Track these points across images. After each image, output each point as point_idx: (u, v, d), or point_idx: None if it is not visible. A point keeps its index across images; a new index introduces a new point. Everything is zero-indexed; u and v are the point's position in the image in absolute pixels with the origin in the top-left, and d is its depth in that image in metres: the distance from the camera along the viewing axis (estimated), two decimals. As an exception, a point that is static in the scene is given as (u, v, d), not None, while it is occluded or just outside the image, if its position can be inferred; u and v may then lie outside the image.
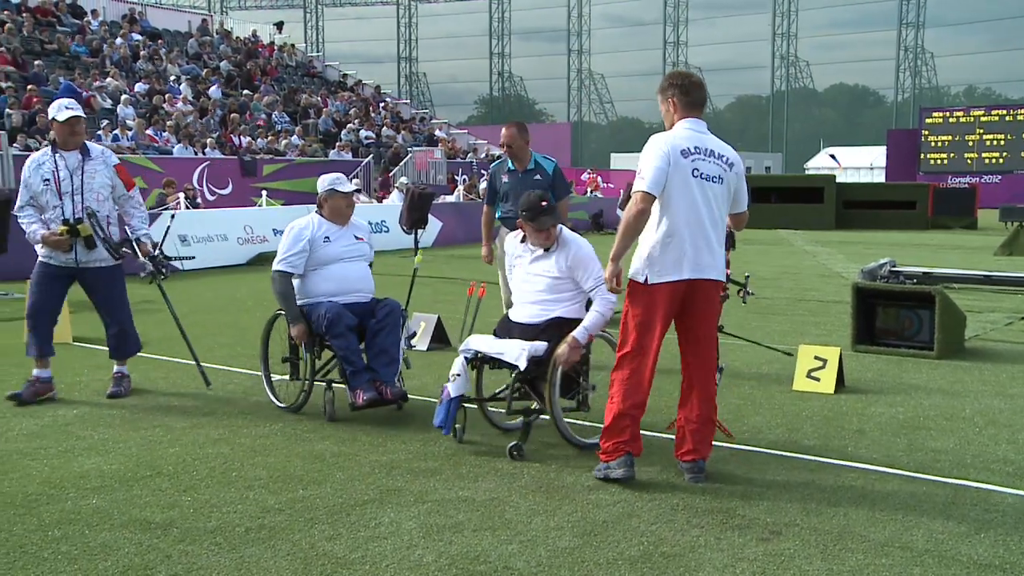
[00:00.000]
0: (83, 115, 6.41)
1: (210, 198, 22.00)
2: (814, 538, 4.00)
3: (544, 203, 5.29)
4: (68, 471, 4.81)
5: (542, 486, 4.68)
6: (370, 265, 6.40)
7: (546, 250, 5.37)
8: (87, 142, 6.46)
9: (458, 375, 5.24)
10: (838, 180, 32.24)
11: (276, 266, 6.05)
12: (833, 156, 56.32)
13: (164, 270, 6.56)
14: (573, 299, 5.40)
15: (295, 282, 6.08)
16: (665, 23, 74.44)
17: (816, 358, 6.87)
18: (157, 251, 6.53)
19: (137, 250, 6.53)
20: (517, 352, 5.16)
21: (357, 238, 6.30)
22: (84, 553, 3.77)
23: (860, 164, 57.19)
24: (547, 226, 5.29)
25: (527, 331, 5.31)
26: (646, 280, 4.63)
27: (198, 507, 4.29)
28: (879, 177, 49.53)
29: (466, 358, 5.34)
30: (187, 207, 18.32)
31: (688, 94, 4.80)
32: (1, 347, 8.42)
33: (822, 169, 53.04)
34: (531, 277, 5.44)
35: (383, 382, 5.83)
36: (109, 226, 6.47)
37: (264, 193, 21.37)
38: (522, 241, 5.51)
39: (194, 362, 6.70)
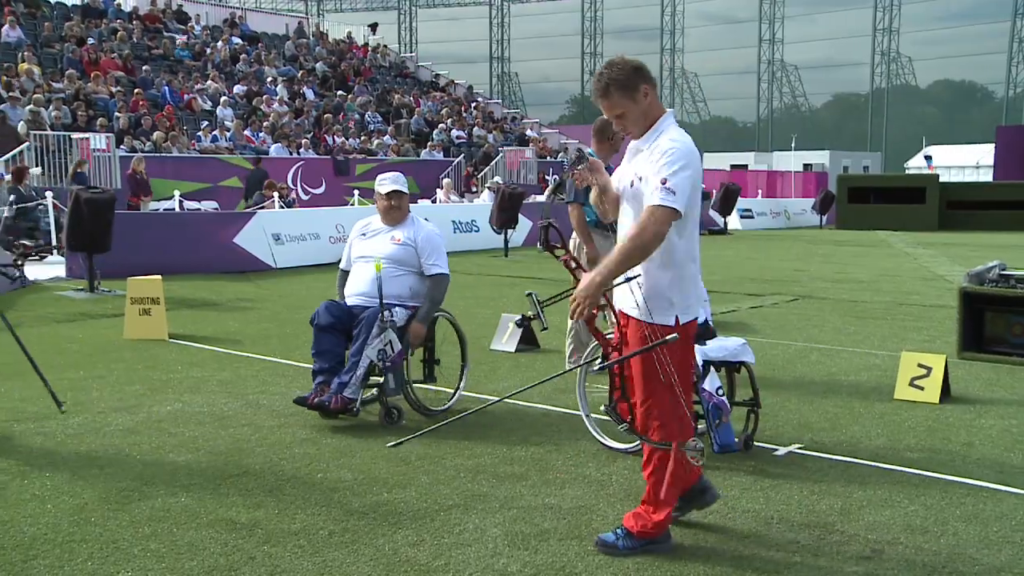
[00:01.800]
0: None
1: (304, 197, 22.41)
2: (920, 558, 3.78)
3: None
4: (159, 468, 4.87)
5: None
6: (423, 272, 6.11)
7: None
8: None
9: (721, 387, 5.06)
10: (941, 179, 31.11)
11: None
12: (928, 157, 54.43)
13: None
14: None
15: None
16: (760, 20, 73.01)
17: (919, 365, 6.55)
18: None
19: None
20: (738, 347, 5.19)
21: (395, 240, 6.05)
22: (172, 551, 3.80)
23: (965, 163, 55.12)
24: None
25: (700, 331, 5.22)
26: (677, 322, 3.75)
27: (283, 508, 4.29)
28: (986, 176, 47.62)
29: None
30: (281, 206, 18.68)
31: (652, 79, 3.89)
32: (103, 343, 8.65)
33: (923, 169, 51.31)
34: None
35: (333, 389, 5.65)
36: None
37: (356, 192, 21.68)
38: None
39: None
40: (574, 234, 7.38)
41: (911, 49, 71.93)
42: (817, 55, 73.34)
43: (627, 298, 3.83)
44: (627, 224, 3.83)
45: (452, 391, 6.33)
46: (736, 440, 5.04)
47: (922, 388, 6.46)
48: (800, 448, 5.33)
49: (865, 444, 5.43)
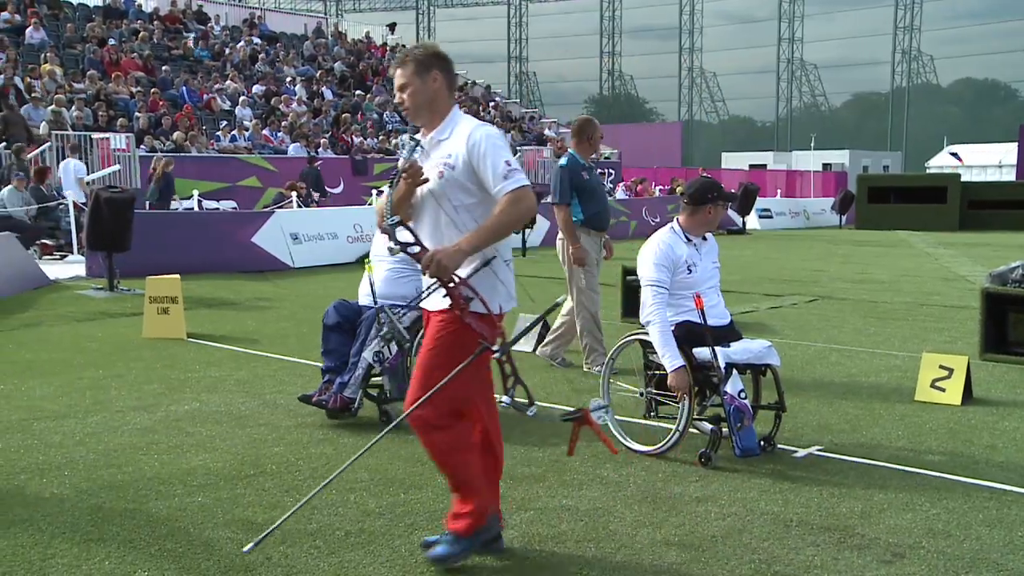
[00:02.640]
0: None
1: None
2: (942, 563, 3.73)
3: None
4: (177, 467, 4.88)
5: (648, 496, 4.52)
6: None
7: (704, 239, 5.33)
8: None
9: (744, 389, 4.96)
10: (963, 179, 30.85)
11: None
12: (955, 154, 54.00)
13: None
14: None
15: None
16: (779, 19, 72.69)
17: (941, 367, 6.48)
18: None
19: None
20: (764, 349, 5.11)
21: None
22: (188, 550, 3.80)
23: (987, 162, 54.65)
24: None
25: (724, 332, 5.17)
26: (500, 309, 3.69)
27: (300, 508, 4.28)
28: (1008, 176, 47.21)
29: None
30: (299, 206, 18.72)
31: (451, 72, 3.82)
32: (122, 342, 8.69)
33: (944, 168, 50.89)
34: (710, 273, 5.29)
35: (334, 388, 5.72)
36: None
37: (374, 192, 21.69)
38: (688, 241, 5.23)
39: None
40: (559, 234, 7.44)
41: (932, 47, 71.44)
42: (836, 54, 72.99)
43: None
44: (428, 221, 3.69)
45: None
46: (759, 444, 4.99)
47: (944, 390, 6.39)
48: (820, 450, 5.28)
49: (886, 446, 5.37)
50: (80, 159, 17.48)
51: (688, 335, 5.05)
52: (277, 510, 4.25)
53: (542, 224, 20.03)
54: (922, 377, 6.53)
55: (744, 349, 5.08)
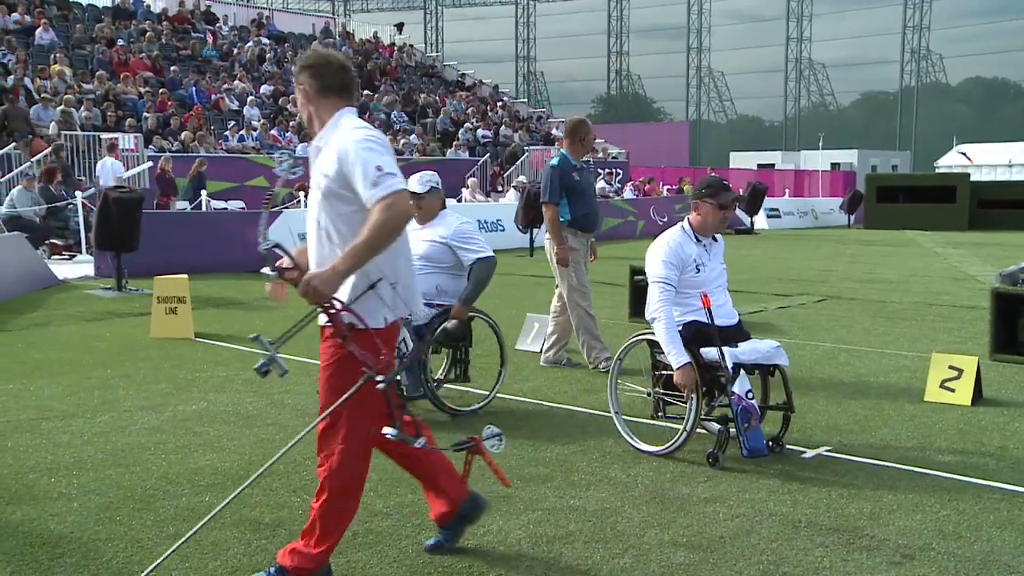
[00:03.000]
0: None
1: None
2: (952, 565, 3.71)
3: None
4: (184, 467, 4.88)
5: (656, 496, 4.50)
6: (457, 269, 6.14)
7: (715, 240, 5.33)
8: None
9: (751, 389, 4.90)
10: (972, 178, 30.73)
11: None
12: (964, 153, 53.78)
13: None
14: None
15: None
16: (788, 18, 72.51)
17: (951, 367, 6.45)
18: None
19: None
20: (771, 350, 5.08)
21: (425, 239, 6.06)
22: (196, 551, 3.80)
23: (997, 161, 54.43)
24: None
25: (732, 332, 5.13)
26: (386, 321, 3.48)
27: (307, 509, 4.22)
28: (1018, 175, 47.02)
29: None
30: (306, 205, 18.72)
31: (322, 76, 3.51)
32: (130, 342, 8.71)
33: (954, 167, 50.72)
34: (717, 273, 5.28)
35: None
36: None
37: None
38: (697, 241, 5.21)
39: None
40: (546, 233, 7.47)
41: (941, 46, 71.16)
42: (845, 53, 72.72)
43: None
44: (312, 233, 3.54)
45: (487, 392, 6.30)
46: (767, 444, 4.97)
47: (953, 390, 6.35)
48: (829, 451, 5.26)
49: (895, 447, 5.35)
50: (116, 158, 17.83)
51: (696, 335, 5.03)
52: (285, 510, 4.25)
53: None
54: (931, 377, 6.50)
55: (752, 349, 5.05)
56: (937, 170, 52.70)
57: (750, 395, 4.87)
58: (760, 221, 28.40)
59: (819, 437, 5.54)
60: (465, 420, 5.92)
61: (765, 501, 4.43)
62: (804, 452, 5.24)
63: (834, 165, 50.86)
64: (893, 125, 71.91)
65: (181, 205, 18.54)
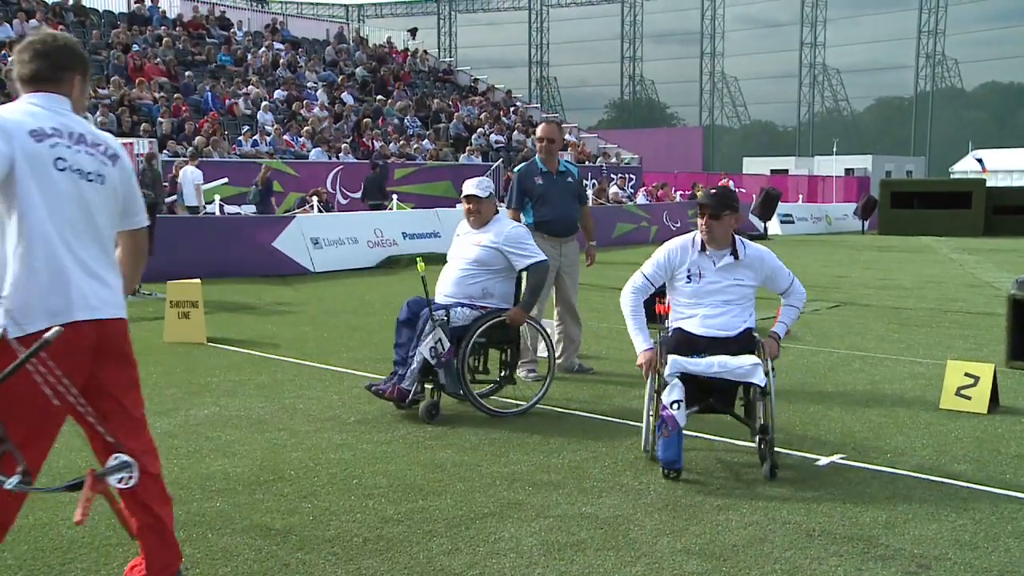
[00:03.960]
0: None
1: (343, 201, 22.49)
2: (969, 575, 3.67)
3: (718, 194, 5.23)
4: (195, 472, 4.88)
5: (668, 504, 4.47)
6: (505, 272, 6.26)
7: (735, 257, 5.12)
8: None
9: (679, 401, 4.72)
10: (988, 184, 30.56)
11: None
12: (980, 160, 53.45)
13: None
14: (753, 306, 5.26)
15: None
16: (802, 23, 72.32)
17: (967, 375, 6.39)
18: None
19: None
20: (748, 367, 4.80)
21: (478, 243, 6.22)
22: (206, 556, 3.79)
23: (1013, 167, 54.13)
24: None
25: (722, 344, 4.98)
26: (4, 333, 2.91)
27: (317, 515, 4.26)
28: (1034, 181, 46.77)
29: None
30: (320, 210, 18.77)
31: (26, 63, 3.12)
32: (143, 346, 8.68)
33: (968, 173, 50.46)
34: (720, 287, 5.09)
35: (395, 379, 6.04)
36: None
37: (395, 197, 21.71)
38: (702, 250, 5.12)
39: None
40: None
41: (957, 51, 70.81)
42: (859, 58, 72.43)
43: None
44: None
45: (533, 395, 6.35)
46: (678, 461, 4.74)
47: (969, 398, 6.30)
48: (842, 458, 5.22)
49: (910, 455, 5.30)
50: (197, 167, 18.94)
51: (678, 343, 5.02)
52: (295, 516, 4.24)
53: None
54: (947, 385, 6.44)
55: (720, 363, 4.83)
56: (952, 176, 52.48)
57: (675, 405, 4.70)
58: (773, 227, 28.30)
59: (833, 444, 5.50)
60: (503, 422, 5.94)
61: (778, 509, 4.40)
62: (818, 460, 5.19)
63: (848, 170, 50.65)
64: (908, 130, 71.61)
65: (248, 210, 19.20)
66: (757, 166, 53.41)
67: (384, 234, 17.17)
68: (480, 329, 6.05)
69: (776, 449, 5.25)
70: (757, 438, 5.02)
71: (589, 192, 27.18)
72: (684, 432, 4.96)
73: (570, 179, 7.49)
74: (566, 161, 7.71)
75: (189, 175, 18.62)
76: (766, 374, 4.90)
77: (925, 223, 28.31)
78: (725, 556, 3.85)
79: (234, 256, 14.38)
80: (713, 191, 5.27)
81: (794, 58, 73.10)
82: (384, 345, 6.70)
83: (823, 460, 5.18)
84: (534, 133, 31.97)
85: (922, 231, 27.79)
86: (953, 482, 4.81)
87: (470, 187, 6.29)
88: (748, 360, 4.85)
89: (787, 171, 50.48)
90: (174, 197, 18.25)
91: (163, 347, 8.63)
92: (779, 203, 27.98)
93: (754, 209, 27.50)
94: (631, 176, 32.82)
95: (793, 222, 30.74)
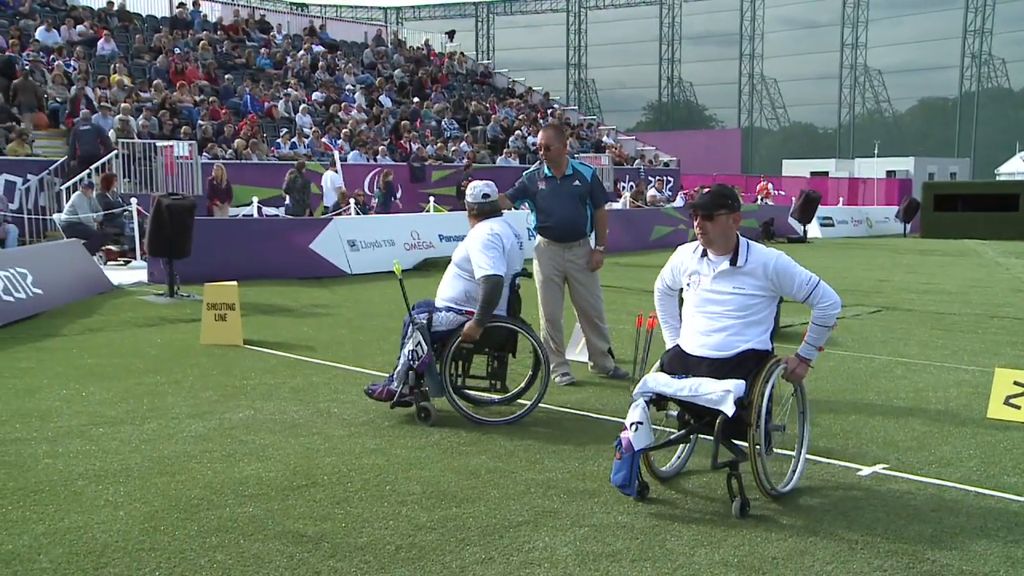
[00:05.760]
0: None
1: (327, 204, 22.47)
2: (1018, 593, 3.55)
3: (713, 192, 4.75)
4: (229, 476, 4.87)
5: (706, 514, 4.38)
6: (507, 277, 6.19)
7: (733, 264, 4.58)
8: None
9: (640, 423, 4.40)
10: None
11: None
12: None
13: None
14: (766, 323, 4.65)
15: None
16: (843, 24, 71.51)
17: (1016, 383, 6.21)
18: None
19: None
20: (719, 394, 4.33)
21: (464, 246, 6.26)
22: (238, 563, 3.76)
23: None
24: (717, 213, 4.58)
25: (715, 366, 4.47)
26: None
27: (350, 521, 4.23)
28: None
29: (646, 402, 4.51)
30: (357, 212, 18.83)
31: None
32: (180, 347, 8.77)
33: (1016, 175, 49.56)
34: (717, 297, 4.60)
35: (386, 380, 6.18)
36: None
37: (431, 199, 21.74)
38: (703, 255, 4.70)
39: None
40: None
41: (1004, 50, 69.62)
42: (902, 58, 71.44)
43: None
44: None
45: (527, 403, 6.23)
46: (628, 486, 4.41)
47: (1019, 407, 6.12)
48: (885, 469, 5.09)
49: (957, 466, 5.15)
50: (337, 172, 20.96)
51: (671, 360, 4.67)
52: (328, 523, 4.21)
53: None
54: (995, 393, 6.27)
55: (691, 387, 4.44)
56: (998, 177, 51.57)
57: (635, 427, 4.43)
58: (813, 230, 27.96)
59: (875, 454, 5.37)
60: (538, 427, 5.87)
61: (819, 521, 4.29)
62: (860, 469, 5.07)
63: (889, 173, 50.00)
64: (952, 132, 70.51)
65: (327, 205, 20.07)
66: (797, 168, 52.88)
67: (420, 236, 17.17)
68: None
69: (815, 458, 5.15)
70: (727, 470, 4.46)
71: (626, 194, 27.12)
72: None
73: (577, 182, 7.31)
74: (579, 163, 7.58)
75: (330, 179, 20.54)
76: (802, 398, 4.74)
77: (970, 226, 27.81)
78: (764, 569, 3.75)
79: (271, 258, 14.44)
80: (707, 189, 5.01)
81: (834, 59, 72.31)
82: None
83: (865, 470, 5.06)
84: (572, 136, 31.92)
85: (966, 234, 27.30)
86: (1003, 495, 4.66)
87: (468, 191, 6.44)
88: (721, 386, 4.35)
89: (827, 173, 49.94)
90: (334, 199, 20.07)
91: (200, 349, 8.67)
92: (819, 206, 27.63)
93: (793, 212, 27.16)
94: (669, 179, 32.61)
95: (833, 225, 30.35)
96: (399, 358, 6.07)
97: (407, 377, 5.96)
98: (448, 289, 6.25)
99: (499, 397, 6.37)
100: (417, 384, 5.98)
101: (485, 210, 6.33)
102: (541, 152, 7.35)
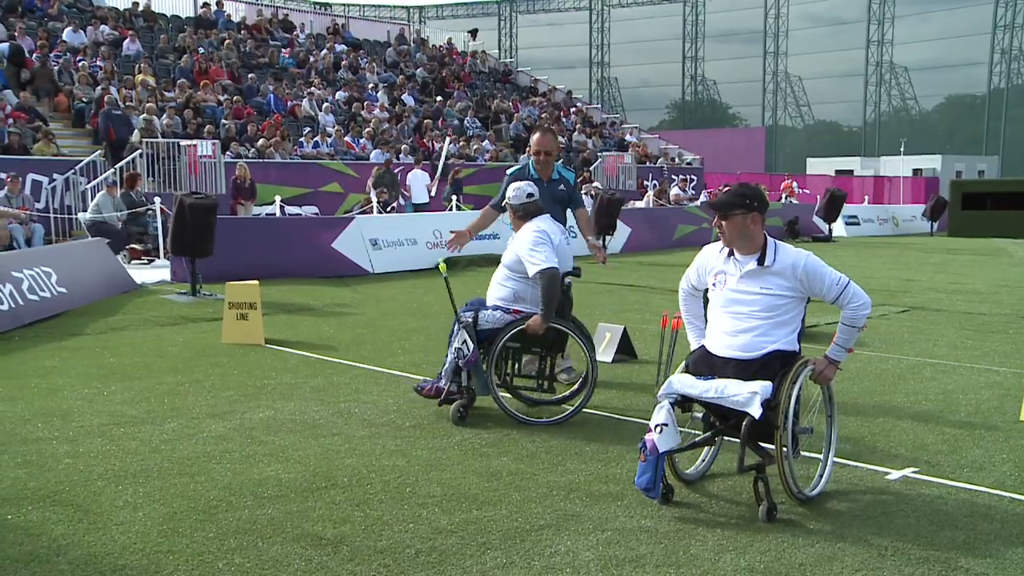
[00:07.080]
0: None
1: (402, 202, 22.54)
2: (1055, 603, 3.45)
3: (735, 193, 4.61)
4: (248, 477, 4.83)
5: (732, 519, 4.30)
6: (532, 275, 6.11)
7: (761, 264, 4.48)
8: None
9: (664, 425, 4.31)
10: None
11: None
12: None
13: None
14: (793, 324, 4.53)
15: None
16: (869, 21, 70.86)
17: (1048, 386, 6.09)
18: None
19: None
20: (746, 395, 4.24)
21: (512, 247, 6.29)
22: (256, 566, 3.72)
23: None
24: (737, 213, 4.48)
25: (742, 367, 4.39)
26: None
27: (369, 524, 4.17)
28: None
29: (671, 403, 4.42)
30: (379, 211, 18.82)
31: None
32: (202, 347, 8.77)
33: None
34: (744, 297, 4.50)
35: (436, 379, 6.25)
36: None
37: (454, 198, 21.70)
38: (729, 255, 4.60)
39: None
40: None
41: (1033, 46, 68.73)
42: (929, 55, 70.68)
43: None
44: None
45: (570, 407, 6.17)
46: (653, 489, 4.31)
47: (1051, 410, 6.00)
48: (915, 472, 4.99)
49: (989, 470, 5.04)
50: (422, 170, 22.18)
51: (696, 361, 4.59)
52: (347, 525, 4.16)
53: (623, 230, 19.77)
54: (1027, 396, 6.15)
55: (717, 388, 4.36)
56: (1028, 175, 50.88)
57: (659, 429, 4.30)
58: (838, 228, 27.69)
59: (905, 457, 5.27)
60: (560, 429, 5.83)
61: (847, 526, 4.20)
62: (888, 473, 4.97)
63: (916, 171, 49.49)
64: (980, 129, 69.69)
65: (309, 211, 20.10)
66: (821, 167, 52.45)
67: (443, 235, 17.11)
68: (511, 333, 5.98)
69: (842, 461, 5.06)
70: (753, 473, 4.40)
71: (649, 193, 26.99)
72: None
73: (562, 187, 7.21)
74: (563, 167, 7.50)
75: (419, 177, 21.71)
76: (830, 400, 4.67)
77: (999, 225, 27.43)
78: (791, 575, 3.67)
79: (294, 257, 14.44)
80: (727, 187, 4.96)
81: (860, 56, 71.64)
82: (442, 348, 6.62)
83: (894, 474, 4.96)
84: (595, 134, 31.84)
85: (995, 233, 26.93)
86: (1036, 500, 4.55)
87: (509, 192, 6.42)
88: (748, 388, 4.26)
89: (852, 172, 49.50)
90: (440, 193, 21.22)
91: (221, 348, 8.66)
92: (844, 205, 27.35)
93: (818, 211, 26.91)
94: (692, 177, 32.42)
95: (859, 224, 30.05)
96: (446, 356, 6.11)
97: (454, 375, 6.00)
98: (498, 289, 6.26)
99: (547, 398, 6.32)
100: (467, 385, 5.99)
101: (530, 210, 6.30)
102: (539, 156, 7.16)
